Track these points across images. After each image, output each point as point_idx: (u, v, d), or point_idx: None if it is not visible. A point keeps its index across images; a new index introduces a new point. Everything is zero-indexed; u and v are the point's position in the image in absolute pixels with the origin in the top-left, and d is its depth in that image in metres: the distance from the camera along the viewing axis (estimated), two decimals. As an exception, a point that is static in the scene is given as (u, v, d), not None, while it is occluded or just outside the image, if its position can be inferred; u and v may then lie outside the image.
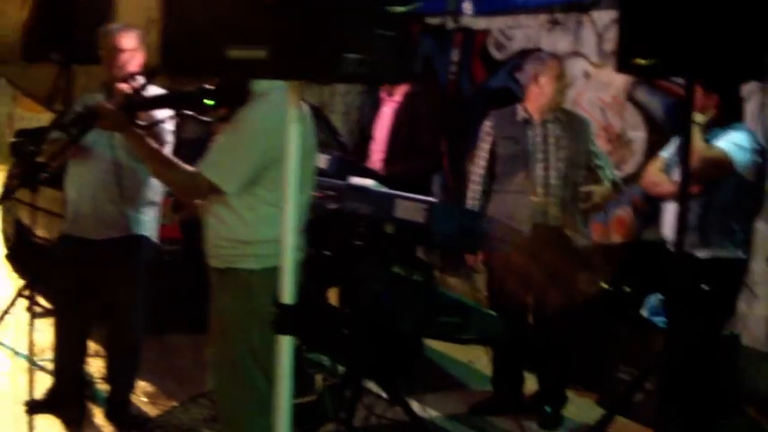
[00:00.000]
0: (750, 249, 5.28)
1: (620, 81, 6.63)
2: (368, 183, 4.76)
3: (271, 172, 3.87)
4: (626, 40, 4.04)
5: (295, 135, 2.87)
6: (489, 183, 5.88)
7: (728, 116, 5.18)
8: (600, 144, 6.13)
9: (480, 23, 7.76)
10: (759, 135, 5.61)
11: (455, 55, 8.08)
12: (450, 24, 8.13)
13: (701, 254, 5.11)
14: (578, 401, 6.11)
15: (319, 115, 8.30)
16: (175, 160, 4.11)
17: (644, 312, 5.78)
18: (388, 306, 4.56)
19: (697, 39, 3.92)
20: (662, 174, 5.32)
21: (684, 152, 4.25)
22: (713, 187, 5.07)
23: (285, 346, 2.94)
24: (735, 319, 5.84)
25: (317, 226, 4.84)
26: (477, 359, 6.53)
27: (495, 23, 7.68)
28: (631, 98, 6.65)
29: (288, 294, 2.96)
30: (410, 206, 4.30)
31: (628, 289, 6.07)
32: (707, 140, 5.06)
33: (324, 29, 2.52)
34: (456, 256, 6.81)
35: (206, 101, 4.09)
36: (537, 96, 5.78)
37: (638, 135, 6.58)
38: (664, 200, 5.38)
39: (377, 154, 6.43)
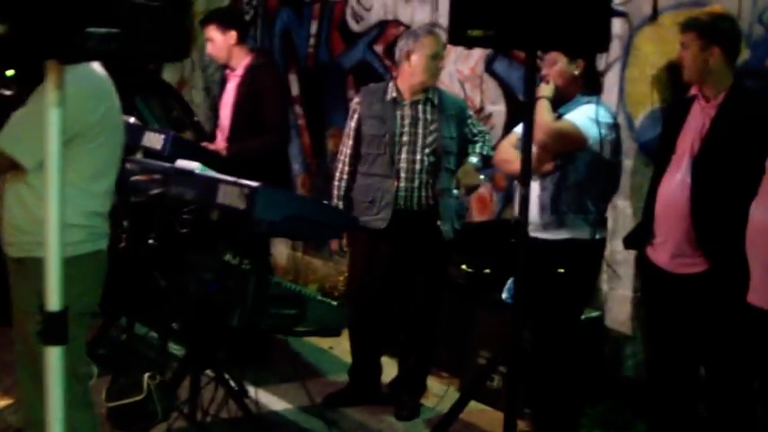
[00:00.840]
0: (607, 229, 5.05)
1: (478, 53, 6.35)
2: (193, 165, 4.41)
3: (73, 148, 3.61)
4: (458, 11, 3.75)
5: (55, 120, 2.49)
6: (355, 163, 5.51)
7: (586, 89, 4.95)
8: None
9: (337, -6, 7.42)
10: (618, 106, 5.43)
11: (313, 27, 7.71)
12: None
13: (555, 235, 4.89)
14: (441, 388, 5.83)
15: (172, 92, 7.94)
16: None
17: (504, 294, 5.52)
18: (216, 297, 4.23)
19: (533, 8, 3.68)
20: (514, 150, 5.07)
21: (527, 128, 4.00)
22: (566, 165, 4.84)
23: (53, 358, 2.59)
24: (596, 300, 5.65)
25: (141, 211, 4.53)
26: (338, 345, 6.28)
27: (352, -7, 7.33)
28: (489, 70, 6.36)
29: (54, 300, 2.58)
30: (232, 191, 3.98)
31: (487, 271, 5.83)
32: (560, 114, 4.84)
33: (66, -2, 2.17)
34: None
35: (6, 71, 3.75)
36: (408, 75, 5.41)
37: (498, 109, 6.31)
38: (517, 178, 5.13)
39: (222, 132, 6.06)
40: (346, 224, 4.41)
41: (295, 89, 7.87)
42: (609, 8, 3.89)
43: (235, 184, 3.97)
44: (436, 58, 5.35)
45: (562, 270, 4.83)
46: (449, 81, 6.49)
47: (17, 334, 3.88)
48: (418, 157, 5.35)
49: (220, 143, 6.00)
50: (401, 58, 5.43)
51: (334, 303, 4.50)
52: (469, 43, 3.91)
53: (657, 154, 4.65)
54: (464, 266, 5.87)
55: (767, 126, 4.17)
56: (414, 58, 5.34)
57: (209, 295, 4.27)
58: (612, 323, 5.71)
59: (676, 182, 4.37)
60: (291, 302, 4.26)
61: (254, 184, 3.87)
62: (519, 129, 5.16)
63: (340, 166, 5.56)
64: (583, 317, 5.32)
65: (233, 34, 5.98)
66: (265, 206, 3.85)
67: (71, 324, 3.53)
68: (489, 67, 6.34)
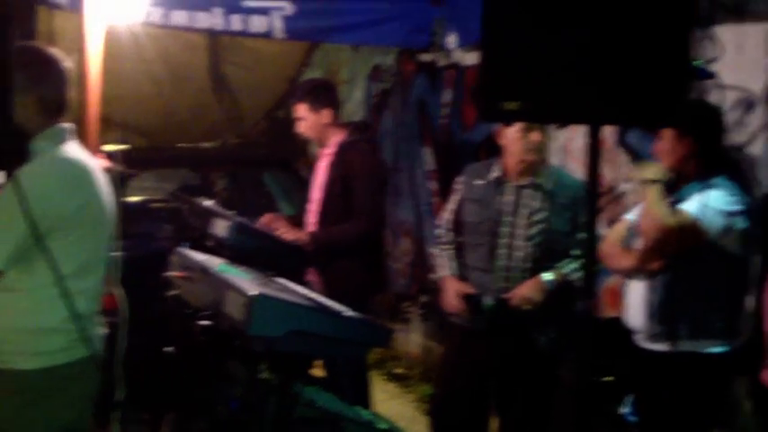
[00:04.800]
0: (739, 339, 4.10)
1: (611, 123, 5.46)
2: (215, 263, 3.82)
3: (49, 244, 3.21)
4: (489, 78, 2.99)
5: None
6: (458, 250, 4.80)
7: (708, 168, 4.07)
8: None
9: (470, 58, 6.68)
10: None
11: (447, 96, 7.03)
12: (442, 61, 7.08)
13: (667, 347, 4.04)
14: None
15: (292, 170, 7.57)
16: None
17: (623, 409, 4.65)
18: (237, 417, 3.63)
19: (583, 70, 2.91)
20: (620, 243, 4.24)
21: (590, 223, 3.17)
22: (679, 263, 3.97)
23: None
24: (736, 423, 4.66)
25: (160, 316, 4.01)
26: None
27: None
28: (623, 143, 5.44)
29: None
30: (235, 299, 3.33)
31: (609, 379, 4.94)
32: (675, 201, 4.00)
33: None
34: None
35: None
36: (506, 152, 4.68)
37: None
38: (626, 276, 4.29)
39: (312, 215, 5.43)
40: (373, 340, 3.68)
41: (430, 163, 7.22)
42: (688, 68, 3.03)
43: (238, 291, 3.32)
44: (532, 131, 4.53)
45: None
46: (580, 155, 5.66)
47: None
48: (516, 253, 4.57)
49: (310, 228, 5.38)
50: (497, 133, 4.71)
51: (383, 428, 3.78)
52: (505, 118, 3.15)
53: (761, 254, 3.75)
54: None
55: None
56: (508, 131, 4.59)
57: (230, 414, 3.67)
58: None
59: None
60: (323, 427, 3.59)
61: (253, 292, 3.22)
62: (631, 215, 4.37)
63: (441, 253, 4.87)
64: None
65: (326, 113, 5.39)
66: (264, 320, 3.20)
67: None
68: (622, 139, 5.43)
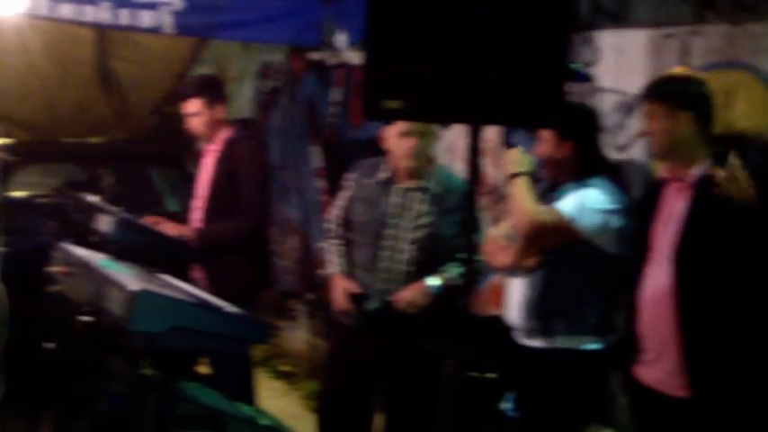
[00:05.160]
0: (614, 335, 4.21)
1: (495, 122, 5.53)
2: (96, 258, 3.80)
3: None
4: (372, 77, 3.04)
5: None
6: (347, 246, 4.78)
7: (586, 170, 4.17)
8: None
9: (359, 58, 6.71)
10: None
11: (336, 94, 7.06)
12: (332, 60, 7.11)
13: (542, 343, 4.13)
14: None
15: (179, 165, 7.52)
16: None
17: (504, 405, 4.73)
18: (118, 413, 3.61)
19: (464, 72, 2.98)
20: (503, 240, 4.31)
21: (468, 219, 3.25)
22: (555, 259, 4.06)
23: None
24: (613, 417, 4.79)
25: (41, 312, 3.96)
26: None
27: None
28: (509, 142, 5.52)
29: None
30: (116, 294, 3.32)
31: (492, 375, 5.02)
32: (555, 201, 4.10)
33: None
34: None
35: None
36: (391, 156, 4.67)
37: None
38: (506, 273, 4.37)
39: (197, 212, 5.42)
40: (254, 337, 3.71)
41: (318, 161, 7.25)
42: (565, 71, 3.12)
43: (119, 286, 3.31)
44: (408, 136, 4.50)
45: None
46: (465, 155, 5.72)
47: None
48: (399, 255, 4.58)
49: (195, 224, 5.37)
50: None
51: (266, 423, 3.80)
52: (387, 117, 3.21)
53: (634, 252, 3.88)
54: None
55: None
56: (389, 135, 4.60)
57: (111, 410, 3.66)
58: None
59: (659, 286, 3.58)
60: (205, 423, 3.60)
61: (134, 287, 3.21)
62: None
63: (331, 249, 4.83)
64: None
65: (220, 109, 5.39)
66: (145, 315, 3.21)
67: None
68: (507, 139, 5.51)
